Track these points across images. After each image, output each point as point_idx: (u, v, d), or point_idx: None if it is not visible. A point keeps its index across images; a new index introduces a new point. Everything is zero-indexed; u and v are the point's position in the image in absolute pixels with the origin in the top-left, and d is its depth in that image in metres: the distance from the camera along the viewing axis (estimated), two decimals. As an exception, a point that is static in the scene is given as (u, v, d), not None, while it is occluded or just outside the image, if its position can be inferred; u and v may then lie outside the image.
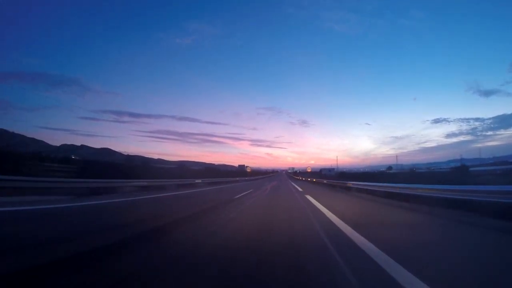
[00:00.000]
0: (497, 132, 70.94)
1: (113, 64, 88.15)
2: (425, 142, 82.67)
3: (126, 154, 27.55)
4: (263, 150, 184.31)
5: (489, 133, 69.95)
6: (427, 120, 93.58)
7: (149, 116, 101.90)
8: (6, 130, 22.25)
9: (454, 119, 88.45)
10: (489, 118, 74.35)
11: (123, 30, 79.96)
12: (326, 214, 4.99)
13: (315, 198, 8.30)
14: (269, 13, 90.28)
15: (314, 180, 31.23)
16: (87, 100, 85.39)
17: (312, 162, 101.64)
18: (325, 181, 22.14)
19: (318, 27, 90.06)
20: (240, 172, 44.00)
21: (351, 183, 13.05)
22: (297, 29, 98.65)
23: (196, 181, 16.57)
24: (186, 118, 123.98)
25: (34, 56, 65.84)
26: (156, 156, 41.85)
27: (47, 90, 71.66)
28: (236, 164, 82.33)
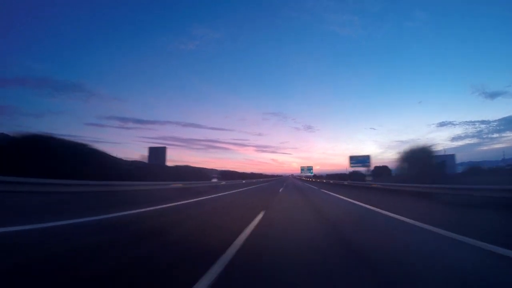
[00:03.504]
0: (503, 134, 68.82)
1: (118, 70, 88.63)
2: (430, 145, 73.17)
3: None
4: (268, 156, 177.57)
5: (495, 135, 70.37)
6: (433, 124, 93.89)
7: (153, 122, 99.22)
8: (7, 134, 11.58)
9: (460, 122, 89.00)
10: (495, 120, 73.01)
11: (127, 35, 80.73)
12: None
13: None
14: (272, 17, 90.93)
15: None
16: (92, 106, 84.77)
17: (318, 167, 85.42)
18: None
19: (321, 30, 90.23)
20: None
21: None
22: (300, 33, 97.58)
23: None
24: (191, 124, 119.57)
25: (39, 62, 66.01)
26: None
27: (52, 95, 71.15)
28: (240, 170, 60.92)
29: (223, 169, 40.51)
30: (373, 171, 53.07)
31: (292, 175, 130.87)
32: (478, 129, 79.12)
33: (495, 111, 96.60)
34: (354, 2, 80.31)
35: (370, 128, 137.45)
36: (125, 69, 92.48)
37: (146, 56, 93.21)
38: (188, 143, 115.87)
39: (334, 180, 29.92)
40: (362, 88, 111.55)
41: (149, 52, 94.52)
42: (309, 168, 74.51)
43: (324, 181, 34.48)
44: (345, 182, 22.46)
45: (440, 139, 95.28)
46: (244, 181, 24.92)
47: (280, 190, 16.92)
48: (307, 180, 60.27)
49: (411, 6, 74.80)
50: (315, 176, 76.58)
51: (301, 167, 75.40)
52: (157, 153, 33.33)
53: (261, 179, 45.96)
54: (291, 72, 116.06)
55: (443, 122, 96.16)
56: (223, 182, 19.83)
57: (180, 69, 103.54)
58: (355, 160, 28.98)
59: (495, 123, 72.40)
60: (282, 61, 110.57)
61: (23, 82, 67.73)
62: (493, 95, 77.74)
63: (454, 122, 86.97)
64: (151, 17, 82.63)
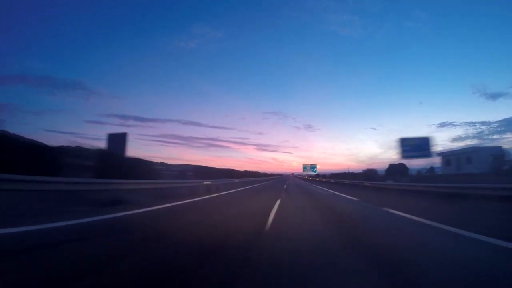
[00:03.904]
0: (504, 136, 67.79)
1: (118, 68, 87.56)
2: (431, 146, 72.64)
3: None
4: (268, 155, 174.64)
5: (496, 136, 67.87)
6: (433, 124, 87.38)
7: (154, 120, 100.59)
8: (6, 131, 11.94)
9: (460, 123, 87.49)
10: (496, 122, 69.59)
11: (127, 34, 78.15)
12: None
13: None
14: (272, 17, 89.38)
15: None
16: (92, 104, 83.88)
17: (318, 166, 77.51)
18: None
19: (321, 30, 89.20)
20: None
21: None
22: (300, 33, 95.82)
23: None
24: (191, 122, 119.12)
25: (39, 60, 64.25)
26: (159, 160, 30.09)
27: (53, 93, 70.35)
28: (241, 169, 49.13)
29: (205, 165, 29.37)
30: (387, 169, 42.25)
31: (292, 174, 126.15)
32: (479, 130, 76.89)
33: (496, 112, 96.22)
34: (354, 2, 79.50)
35: (371, 128, 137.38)
36: (125, 68, 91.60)
37: (147, 55, 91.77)
38: (189, 141, 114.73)
39: (369, 182, 18.06)
40: (362, 88, 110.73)
41: (149, 50, 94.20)
42: (313, 166, 63.27)
43: (346, 182, 22.38)
44: (442, 186, 10.46)
45: (441, 140, 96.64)
46: (209, 183, 13.25)
47: (272, 216, 5.44)
48: (312, 179, 48.48)
49: (411, 6, 74.36)
50: (318, 175, 65.61)
51: (303, 165, 64.19)
52: (117, 140, 25.44)
53: (254, 179, 34.21)
54: (291, 72, 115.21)
55: (443, 122, 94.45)
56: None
57: (181, 68, 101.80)
58: (410, 145, 17.37)
59: (496, 124, 68.70)
60: (282, 61, 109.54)
61: (23, 80, 66.38)
62: (494, 96, 77.00)
63: (455, 123, 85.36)
64: (151, 16, 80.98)
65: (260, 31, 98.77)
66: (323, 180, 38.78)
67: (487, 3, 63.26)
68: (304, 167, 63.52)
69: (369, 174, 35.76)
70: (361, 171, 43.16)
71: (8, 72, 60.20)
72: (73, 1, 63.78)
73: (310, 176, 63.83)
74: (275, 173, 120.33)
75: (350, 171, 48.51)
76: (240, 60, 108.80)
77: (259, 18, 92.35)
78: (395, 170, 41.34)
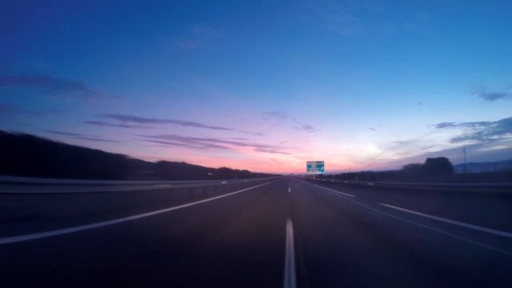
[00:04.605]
0: (503, 136, 66.59)
1: (117, 69, 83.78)
2: (430, 147, 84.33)
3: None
4: (268, 156, 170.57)
5: (495, 137, 67.81)
6: (432, 125, 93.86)
7: (153, 121, 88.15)
8: (4, 131, 8.19)
9: (459, 123, 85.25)
10: (495, 122, 68.91)
11: (127, 34, 72.77)
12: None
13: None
14: (272, 17, 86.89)
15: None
16: (92, 104, 75.89)
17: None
18: None
19: (321, 30, 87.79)
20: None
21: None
22: (300, 33, 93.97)
23: None
24: (191, 123, 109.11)
25: (39, 60, 58.25)
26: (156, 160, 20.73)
27: (53, 94, 60.56)
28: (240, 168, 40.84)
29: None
30: (423, 166, 33.40)
31: (292, 174, 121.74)
32: (478, 130, 77.25)
33: (495, 113, 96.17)
34: (355, 2, 78.78)
35: (370, 129, 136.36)
36: (125, 68, 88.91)
37: (146, 55, 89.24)
38: (188, 142, 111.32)
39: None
40: (362, 88, 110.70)
41: (149, 50, 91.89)
42: (319, 164, 53.08)
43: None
44: None
45: (440, 140, 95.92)
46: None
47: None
48: (322, 182, 37.78)
49: (412, 7, 72.88)
50: (322, 175, 55.50)
51: (307, 163, 53.73)
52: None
53: (231, 182, 23.27)
54: (291, 72, 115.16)
55: (443, 123, 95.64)
56: None
57: (180, 68, 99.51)
58: None
59: (495, 125, 68.58)
60: (282, 61, 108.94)
61: (23, 80, 63.20)
62: (493, 97, 76.97)
63: (454, 123, 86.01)
64: (151, 16, 78.23)
65: (260, 31, 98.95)
66: (368, 184, 27.50)
67: (487, 3, 62.86)
68: (309, 166, 53.28)
69: (416, 172, 25.73)
70: (401, 168, 33.33)
71: (8, 72, 60.33)
72: (73, 1, 62.06)
73: (316, 176, 53.84)
74: (274, 173, 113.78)
75: (387, 170, 38.90)
76: (240, 60, 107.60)
77: (259, 18, 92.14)
78: (435, 165, 32.10)
